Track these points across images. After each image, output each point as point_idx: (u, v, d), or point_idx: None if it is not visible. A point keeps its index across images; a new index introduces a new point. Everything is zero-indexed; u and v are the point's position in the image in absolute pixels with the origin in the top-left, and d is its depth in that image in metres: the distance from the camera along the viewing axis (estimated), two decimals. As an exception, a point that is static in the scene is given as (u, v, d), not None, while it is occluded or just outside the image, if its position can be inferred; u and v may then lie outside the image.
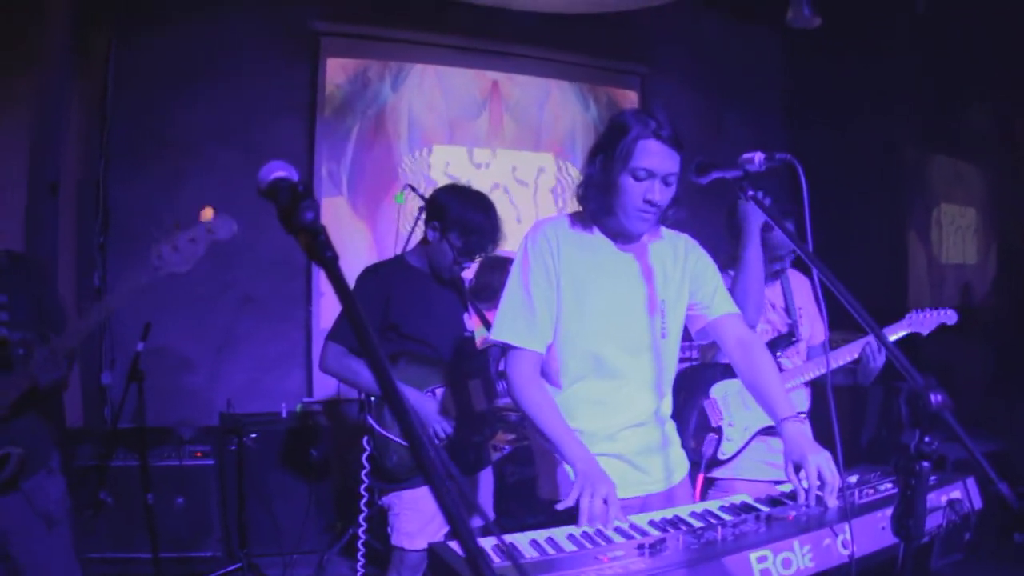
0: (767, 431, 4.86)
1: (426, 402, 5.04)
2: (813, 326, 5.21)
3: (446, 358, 5.17)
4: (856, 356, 4.98)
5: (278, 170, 1.87)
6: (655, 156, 3.40)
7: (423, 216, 5.32)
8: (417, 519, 4.98)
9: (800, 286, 5.24)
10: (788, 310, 5.14)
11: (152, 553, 6.07)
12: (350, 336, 4.87)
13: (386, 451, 4.98)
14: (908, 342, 5.03)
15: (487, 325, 5.32)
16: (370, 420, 5.03)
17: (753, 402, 3.94)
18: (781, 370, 4.94)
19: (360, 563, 5.39)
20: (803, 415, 5.04)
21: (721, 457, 4.95)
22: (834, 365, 5.02)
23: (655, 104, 3.67)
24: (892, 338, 5.06)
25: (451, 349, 5.21)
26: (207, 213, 4.05)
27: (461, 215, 4.98)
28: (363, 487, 5.15)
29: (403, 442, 4.86)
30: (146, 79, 8.43)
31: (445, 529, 4.90)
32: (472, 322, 5.39)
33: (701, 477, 4.90)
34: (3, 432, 4.16)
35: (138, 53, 8.41)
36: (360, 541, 5.34)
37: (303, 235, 1.76)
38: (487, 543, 2.69)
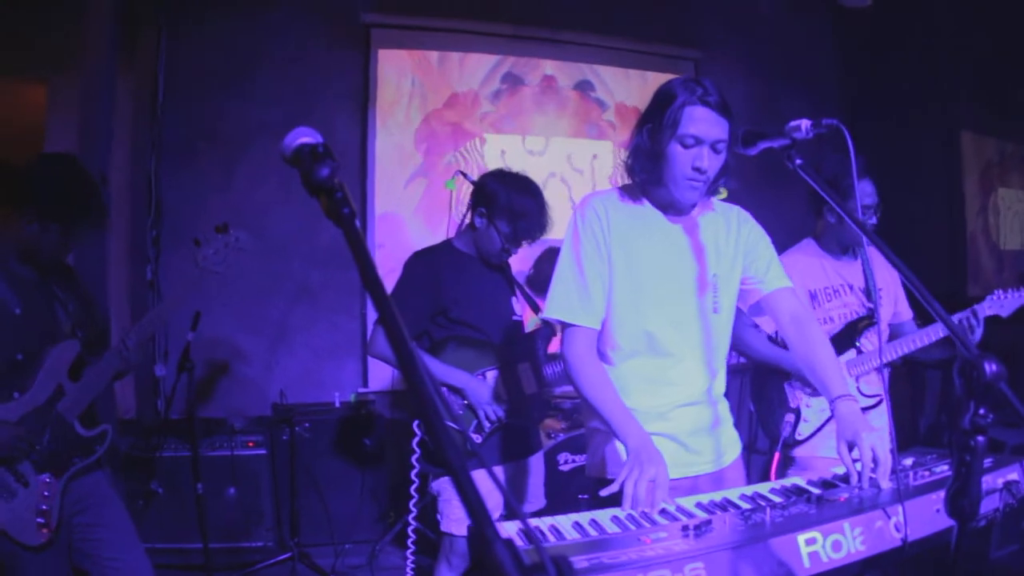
0: None
1: (478, 385, 5.02)
2: (898, 305, 5.15)
3: (495, 342, 5.16)
4: (937, 338, 4.93)
5: (302, 136, 1.87)
6: (702, 122, 3.35)
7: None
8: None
9: (880, 267, 5.16)
10: (868, 292, 5.07)
11: (203, 543, 6.06)
12: (404, 320, 4.85)
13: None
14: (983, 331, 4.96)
15: (536, 311, 5.30)
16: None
17: None
18: (859, 353, 4.90)
19: (410, 550, 5.35)
20: (876, 397, 4.99)
21: (798, 438, 4.98)
22: (910, 348, 4.99)
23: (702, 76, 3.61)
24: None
25: (500, 333, 5.20)
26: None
27: (508, 201, 4.99)
28: (414, 472, 5.10)
29: (454, 424, 4.81)
30: (196, 73, 8.47)
31: (497, 514, 4.90)
32: (521, 307, 5.37)
33: (777, 455, 4.88)
34: (92, 415, 4.46)
35: (188, 47, 8.45)
36: (410, 528, 5.29)
37: (321, 194, 1.76)
38: (513, 527, 2.66)
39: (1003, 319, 5.03)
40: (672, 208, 3.63)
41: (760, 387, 5.21)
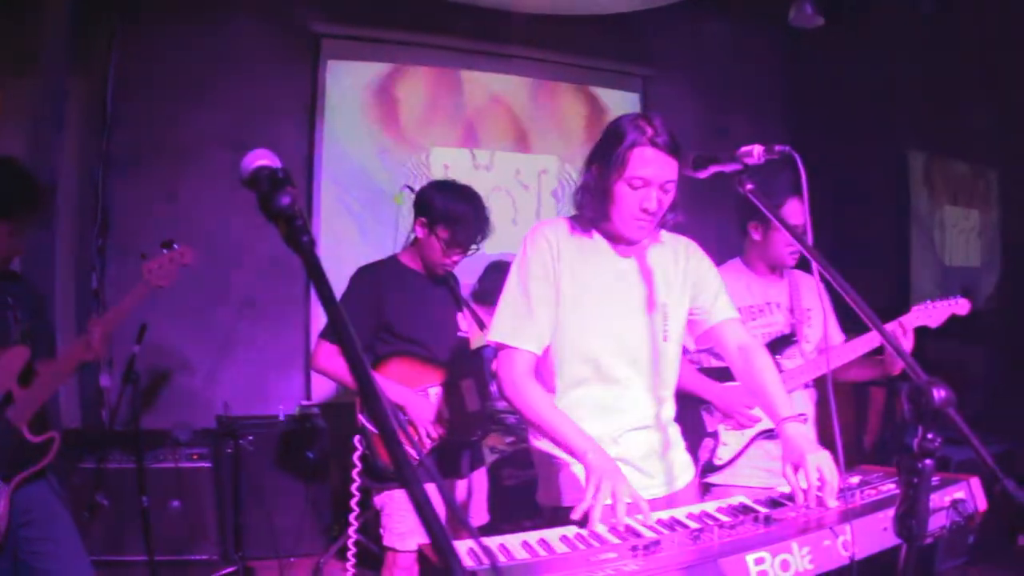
0: (766, 435, 4.82)
1: (419, 402, 5.01)
2: (828, 328, 5.15)
3: (439, 358, 5.17)
4: (868, 349, 4.93)
5: (261, 158, 1.86)
6: (651, 165, 3.37)
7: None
8: (409, 519, 4.96)
9: (809, 288, 5.18)
10: (792, 310, 5.09)
11: (147, 556, 6.02)
12: None
13: (377, 449, 4.98)
14: (913, 342, 4.96)
15: (482, 326, 5.31)
16: (362, 419, 5.03)
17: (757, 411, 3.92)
18: (781, 371, 4.90)
19: (350, 563, 5.34)
20: (804, 417, 5.01)
21: (717, 463, 4.95)
22: (847, 359, 4.98)
23: (652, 110, 3.61)
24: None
25: (444, 349, 5.21)
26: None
27: (446, 207, 5.01)
28: (355, 486, 5.10)
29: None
30: (147, 83, 8.43)
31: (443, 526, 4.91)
32: (467, 323, 5.37)
33: (697, 483, 4.86)
34: (41, 421, 4.46)
35: (139, 57, 8.41)
36: (351, 541, 5.29)
37: (280, 221, 1.73)
38: (467, 546, 2.64)
39: (932, 330, 5.04)
40: (621, 241, 3.64)
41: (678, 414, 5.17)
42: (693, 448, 4.86)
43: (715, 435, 4.94)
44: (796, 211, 4.88)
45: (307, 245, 1.72)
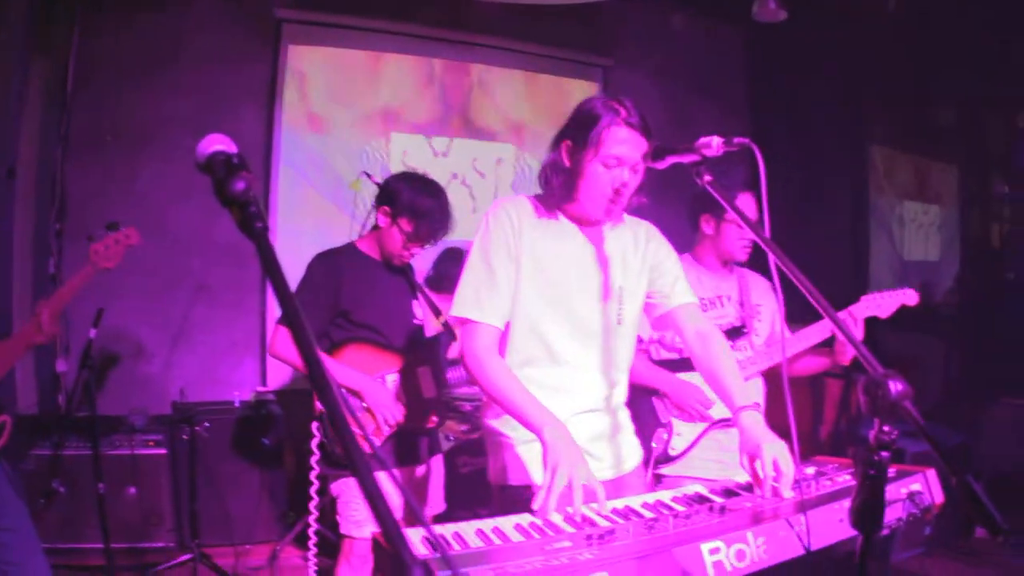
0: (719, 426, 4.82)
1: (377, 389, 5.00)
2: (774, 325, 5.17)
3: (396, 345, 5.17)
4: (820, 339, 4.95)
5: (216, 143, 1.84)
6: (625, 144, 3.37)
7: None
8: (364, 507, 4.93)
9: (758, 286, 5.20)
10: (742, 303, 5.10)
11: (104, 543, 5.96)
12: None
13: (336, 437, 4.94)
14: (870, 337, 4.96)
15: (437, 314, 5.31)
16: (321, 408, 4.97)
17: (712, 394, 3.92)
18: None
19: (312, 552, 5.33)
20: (758, 406, 5.02)
21: (672, 453, 4.94)
22: (799, 348, 5.00)
23: (620, 94, 3.61)
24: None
25: (400, 336, 5.22)
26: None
27: (411, 200, 5.01)
28: (313, 474, 5.09)
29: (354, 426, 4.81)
30: (107, 66, 8.35)
31: (395, 517, 4.89)
32: (422, 311, 5.37)
33: (650, 472, 4.85)
34: None
35: (100, 40, 8.32)
36: (311, 530, 5.27)
37: (234, 207, 1.71)
38: (421, 534, 2.62)
39: (889, 322, 5.05)
40: (583, 221, 3.64)
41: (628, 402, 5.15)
42: (647, 438, 4.86)
43: (668, 425, 4.93)
44: (748, 205, 4.88)
45: (260, 231, 1.69)
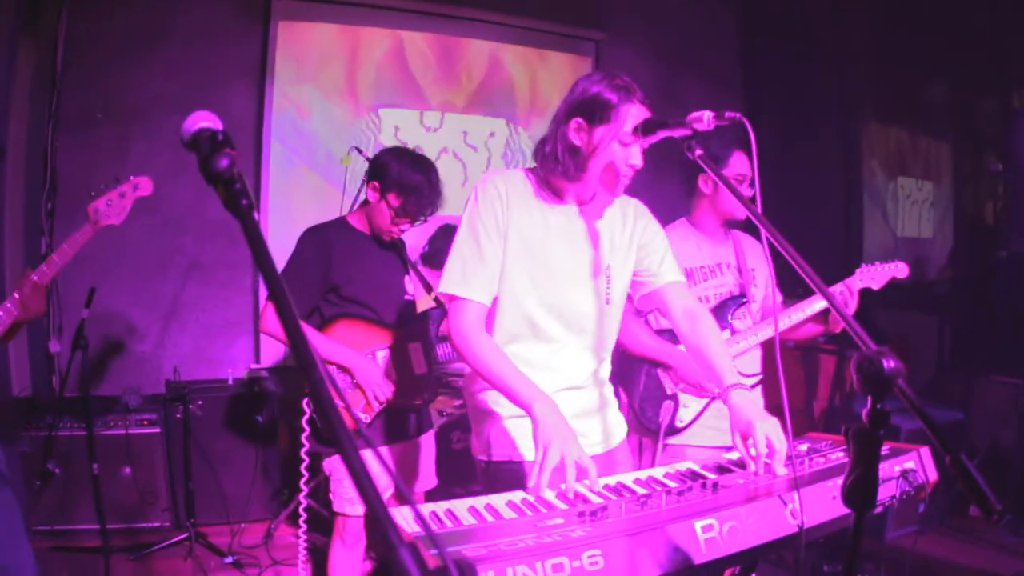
0: None
1: (367, 365, 5.02)
2: (767, 288, 5.18)
3: (386, 321, 5.18)
4: (814, 313, 4.98)
5: (202, 120, 1.82)
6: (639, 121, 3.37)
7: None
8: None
9: (752, 249, 5.20)
10: (740, 270, 5.10)
11: (99, 524, 5.96)
12: (295, 296, 4.82)
13: None
14: (863, 313, 4.97)
15: (429, 290, 5.31)
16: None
17: None
18: (733, 332, 4.93)
19: (302, 529, 5.34)
20: (756, 376, 5.03)
21: (679, 424, 4.96)
22: (793, 319, 5.02)
23: (617, 68, 3.60)
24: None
25: (391, 312, 5.23)
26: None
27: (400, 175, 4.99)
28: (304, 450, 5.11)
29: (339, 403, 4.83)
30: (97, 44, 8.32)
31: (387, 494, 4.94)
32: (414, 286, 5.38)
33: (661, 446, 4.87)
34: None
35: (89, 18, 8.30)
36: (302, 507, 5.27)
37: (219, 184, 1.70)
38: (406, 511, 2.62)
39: (883, 300, 5.09)
40: (581, 199, 3.65)
41: (629, 374, 5.11)
42: (653, 410, 4.89)
43: (674, 397, 4.95)
44: (741, 162, 4.91)
45: (245, 209, 1.67)
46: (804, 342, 5.91)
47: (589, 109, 3.46)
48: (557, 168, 3.56)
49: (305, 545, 5.42)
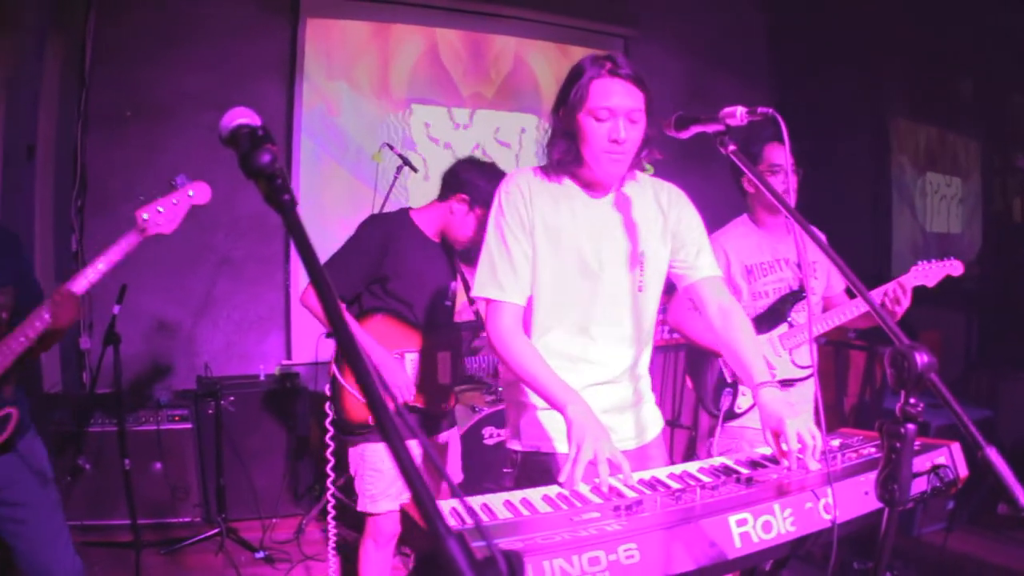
0: (783, 384, 4.84)
1: (395, 366, 5.05)
2: (831, 278, 5.24)
3: (422, 324, 5.19)
4: (860, 313, 5.01)
5: (240, 117, 1.82)
6: (614, 95, 3.34)
7: (399, 175, 5.29)
8: (379, 480, 5.05)
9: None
10: (800, 265, 5.11)
11: (130, 519, 5.99)
12: (336, 281, 4.94)
13: (341, 400, 5.08)
14: (910, 301, 5.00)
15: (471, 300, 5.35)
16: (334, 367, 5.14)
17: (772, 355, 4.21)
18: (791, 326, 5.00)
19: (331, 515, 5.40)
20: (810, 369, 5.07)
21: (737, 411, 5.03)
22: (839, 321, 5.06)
23: (642, 64, 3.57)
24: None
25: (430, 316, 5.23)
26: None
27: (491, 191, 4.92)
28: (329, 436, 5.20)
29: (359, 394, 4.97)
30: (126, 42, 8.37)
31: (428, 486, 4.94)
32: (454, 295, 5.40)
33: (719, 429, 4.97)
34: (3, 390, 4.21)
35: (117, 16, 8.34)
36: (329, 492, 5.36)
37: (260, 179, 1.71)
38: (450, 505, 2.66)
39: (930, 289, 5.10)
40: (594, 185, 3.62)
41: (696, 362, 5.26)
42: (714, 398, 5.02)
43: (735, 385, 5.03)
44: (774, 152, 4.93)
45: (287, 203, 1.69)
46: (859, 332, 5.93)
47: (566, 88, 3.48)
48: (555, 156, 3.57)
49: (334, 541, 5.46)
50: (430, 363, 5.19)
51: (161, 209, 4.22)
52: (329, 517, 5.49)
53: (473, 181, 5.10)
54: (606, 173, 3.51)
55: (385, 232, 5.10)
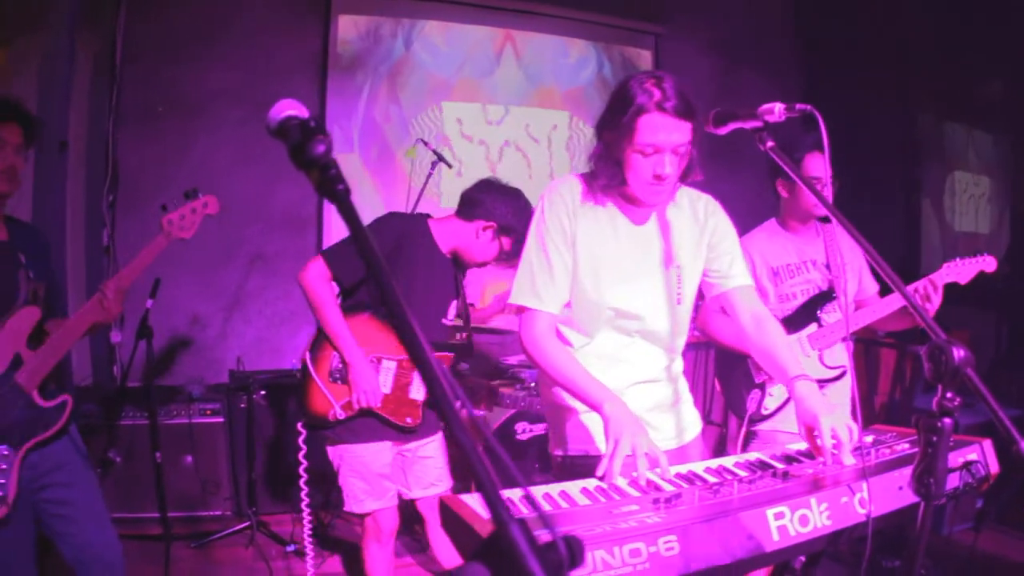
0: None
1: (363, 366, 4.98)
2: (863, 280, 5.26)
3: None
4: (894, 309, 5.02)
5: (288, 109, 1.83)
6: (660, 131, 3.30)
7: (434, 171, 5.27)
8: (362, 480, 5.06)
9: (846, 240, 5.22)
10: (828, 266, 5.13)
11: (160, 512, 6.03)
12: (341, 264, 4.92)
13: (307, 389, 5.04)
14: (942, 298, 5.01)
15: (465, 323, 5.37)
16: (307, 356, 5.06)
17: (801, 356, 4.34)
18: (820, 326, 5.02)
19: (306, 517, 5.52)
20: (840, 369, 5.09)
21: (764, 412, 5.04)
22: (873, 319, 5.08)
23: (665, 68, 3.59)
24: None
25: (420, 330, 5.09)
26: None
27: (521, 225, 4.89)
28: (301, 439, 5.25)
29: (324, 387, 4.97)
30: (156, 38, 8.44)
31: (392, 491, 5.11)
32: (455, 309, 5.42)
33: (744, 430, 4.98)
34: (52, 384, 4.35)
35: (148, 13, 8.40)
36: (302, 481, 5.34)
37: (313, 170, 1.72)
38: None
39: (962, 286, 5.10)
40: (636, 202, 3.60)
41: (725, 364, 5.27)
42: (741, 398, 5.05)
43: (762, 386, 5.04)
44: (816, 163, 4.93)
45: (342, 193, 1.68)
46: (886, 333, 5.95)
47: (611, 117, 3.44)
48: (603, 183, 3.56)
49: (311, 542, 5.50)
50: (404, 377, 5.14)
51: (183, 216, 4.50)
52: (305, 524, 5.52)
53: (501, 211, 5.08)
54: (649, 203, 3.54)
55: (400, 230, 5.07)
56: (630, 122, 3.31)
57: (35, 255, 4.45)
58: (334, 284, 4.98)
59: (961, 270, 5.02)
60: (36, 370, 4.20)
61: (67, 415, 4.34)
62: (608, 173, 3.51)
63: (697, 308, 4.21)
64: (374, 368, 5.03)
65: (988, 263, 5.05)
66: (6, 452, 4.12)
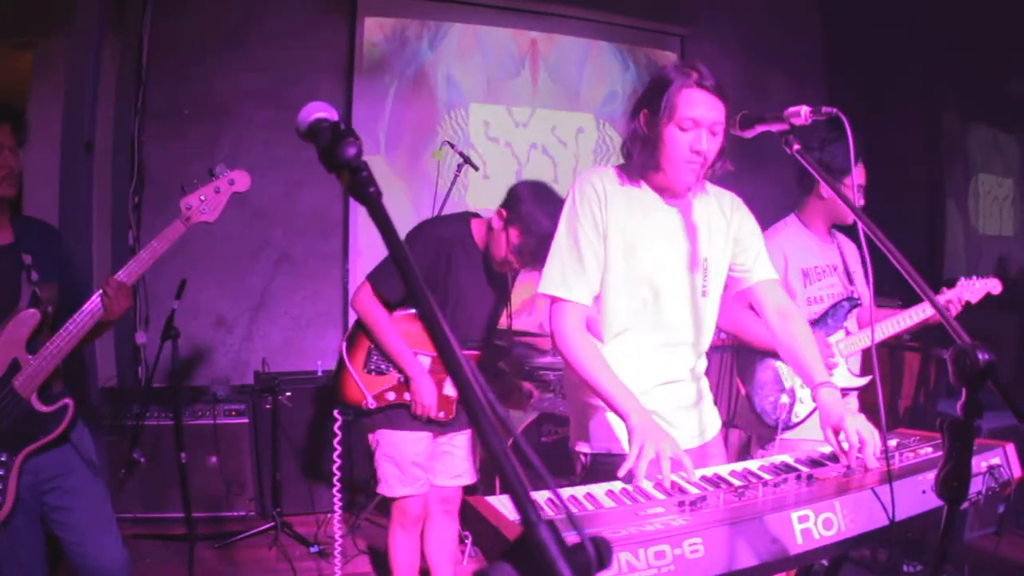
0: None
1: (425, 381, 5.02)
2: (862, 289, 5.22)
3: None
4: (921, 319, 5.03)
5: (318, 111, 1.84)
6: (700, 105, 3.37)
7: (460, 173, 5.25)
8: (395, 465, 5.09)
9: (851, 252, 5.23)
10: (848, 273, 5.13)
11: (185, 512, 6.06)
12: (384, 284, 4.91)
13: (341, 379, 5.12)
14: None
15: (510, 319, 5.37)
16: (343, 346, 5.15)
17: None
18: (847, 333, 5.03)
19: (336, 491, 5.56)
20: (867, 377, 5.10)
21: (795, 420, 4.98)
22: (895, 330, 5.09)
23: (695, 59, 3.61)
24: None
25: (462, 332, 5.13)
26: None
27: (530, 215, 4.80)
28: (337, 425, 5.33)
29: (357, 378, 5.06)
30: (182, 40, 8.46)
31: (423, 479, 5.14)
32: (500, 311, 5.40)
33: (778, 441, 4.89)
34: (55, 387, 4.25)
35: (173, 14, 8.44)
36: (335, 466, 5.43)
37: (345, 172, 1.72)
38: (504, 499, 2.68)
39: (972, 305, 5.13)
40: (668, 192, 3.64)
41: (749, 367, 5.15)
42: (770, 402, 4.98)
43: (791, 392, 4.98)
44: (858, 173, 4.97)
45: (374, 195, 1.69)
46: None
47: (651, 97, 3.48)
48: (635, 162, 3.59)
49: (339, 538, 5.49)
50: (440, 372, 5.12)
51: (203, 198, 4.32)
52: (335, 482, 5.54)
53: (518, 201, 4.89)
54: (681, 181, 3.54)
55: (440, 237, 5.02)
56: (672, 97, 3.38)
57: (42, 253, 4.33)
58: (382, 306, 4.98)
59: (972, 289, 5.10)
60: (34, 375, 4.08)
61: (67, 420, 4.22)
62: (644, 153, 3.54)
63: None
64: (431, 383, 5.05)
65: (994, 286, 5.15)
66: (3, 459, 4.06)
